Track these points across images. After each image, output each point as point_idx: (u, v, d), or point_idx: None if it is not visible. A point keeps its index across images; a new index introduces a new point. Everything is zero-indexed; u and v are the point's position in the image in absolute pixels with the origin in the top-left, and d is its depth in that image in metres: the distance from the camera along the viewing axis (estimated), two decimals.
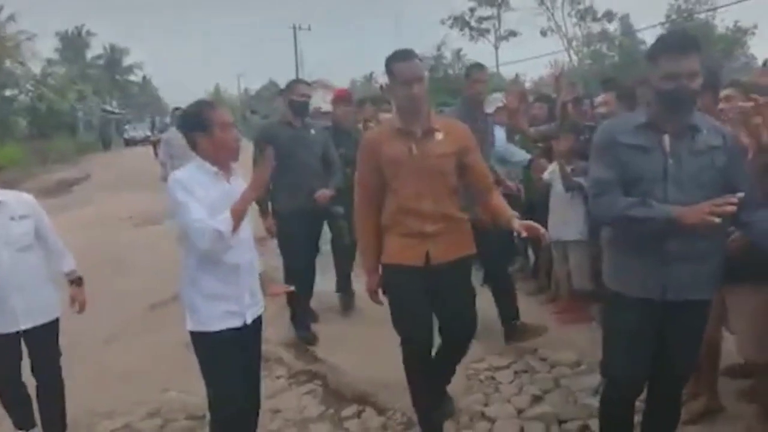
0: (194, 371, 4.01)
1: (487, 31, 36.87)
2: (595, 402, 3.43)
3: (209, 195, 2.54)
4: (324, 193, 4.41)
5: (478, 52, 37.91)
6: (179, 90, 56.08)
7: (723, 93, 3.00)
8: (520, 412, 3.31)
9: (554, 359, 3.84)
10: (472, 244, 3.02)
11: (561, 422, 3.26)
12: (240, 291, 2.66)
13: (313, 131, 4.55)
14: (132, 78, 62.84)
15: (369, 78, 41.27)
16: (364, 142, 3.06)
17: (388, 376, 3.76)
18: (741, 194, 2.13)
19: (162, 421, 3.57)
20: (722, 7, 28.89)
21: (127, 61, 60.62)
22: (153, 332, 4.99)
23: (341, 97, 5.31)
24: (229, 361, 2.64)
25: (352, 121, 5.38)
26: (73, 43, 54.73)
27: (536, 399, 3.46)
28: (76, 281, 3.31)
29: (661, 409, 2.64)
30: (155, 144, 26.55)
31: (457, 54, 32.43)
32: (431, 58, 30.76)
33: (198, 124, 2.58)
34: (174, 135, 6.73)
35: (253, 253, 2.77)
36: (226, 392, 2.65)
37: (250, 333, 2.73)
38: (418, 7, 62.65)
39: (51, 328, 3.15)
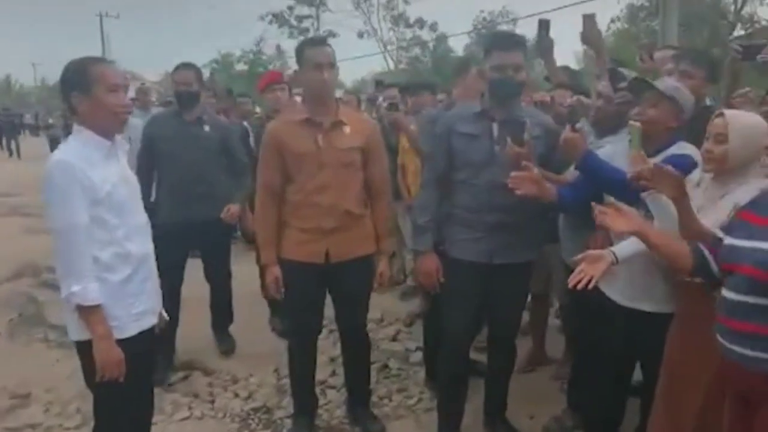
0: (12, 357, 4.06)
1: (307, 30, 37.46)
2: (392, 347, 4.13)
3: (108, 178, 2.08)
4: (231, 210, 3.78)
5: None
6: None
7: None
8: (332, 359, 3.88)
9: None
10: (372, 243, 3.01)
11: None
12: (153, 284, 2.30)
13: (207, 128, 3.83)
14: None
15: None
16: (269, 133, 2.89)
17: (212, 347, 4.17)
18: None
19: None
20: (522, 18, 32.28)
21: None
22: None
23: (275, 80, 4.43)
24: (139, 375, 2.20)
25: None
26: None
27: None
28: None
29: (499, 356, 2.98)
30: None
31: (278, 49, 32.64)
32: (250, 53, 30.52)
33: (77, 82, 2.06)
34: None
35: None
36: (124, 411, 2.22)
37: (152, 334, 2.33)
38: (234, 1, 61.02)
39: None
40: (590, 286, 2.09)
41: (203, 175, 3.76)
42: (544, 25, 3.37)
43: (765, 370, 1.62)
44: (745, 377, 1.69)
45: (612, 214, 1.97)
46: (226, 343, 4.18)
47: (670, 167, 1.96)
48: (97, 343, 2.05)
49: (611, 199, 2.28)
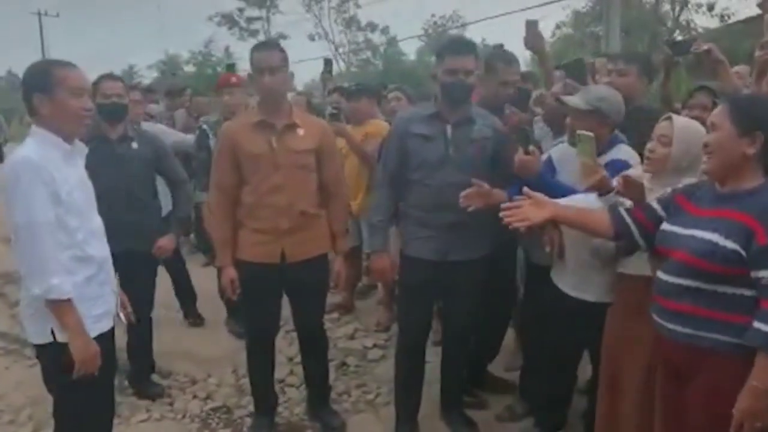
0: None
1: (257, 31, 37.12)
2: (350, 345, 4.20)
3: (67, 180, 2.08)
4: (163, 245, 3.42)
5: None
6: None
7: None
8: (290, 359, 3.92)
9: None
10: (328, 242, 3.05)
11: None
12: (110, 287, 2.31)
13: (135, 144, 3.39)
14: None
15: (129, 72, 38.67)
16: (223, 133, 2.94)
17: (168, 349, 4.08)
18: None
19: None
20: (471, 23, 32.84)
21: None
22: None
23: (231, 82, 4.26)
24: (100, 378, 2.18)
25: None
26: None
27: None
28: None
29: (454, 350, 3.07)
30: None
31: (227, 51, 32.17)
32: (199, 54, 29.98)
33: (40, 84, 2.07)
34: None
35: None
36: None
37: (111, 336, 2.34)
38: (182, 1, 59.35)
39: None
40: (522, 227, 2.08)
41: (132, 201, 3.29)
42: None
43: (695, 345, 1.77)
44: (677, 352, 1.83)
45: (526, 206, 2.06)
46: (152, 390, 3.61)
47: (636, 179, 2.11)
48: (73, 338, 2.05)
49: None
